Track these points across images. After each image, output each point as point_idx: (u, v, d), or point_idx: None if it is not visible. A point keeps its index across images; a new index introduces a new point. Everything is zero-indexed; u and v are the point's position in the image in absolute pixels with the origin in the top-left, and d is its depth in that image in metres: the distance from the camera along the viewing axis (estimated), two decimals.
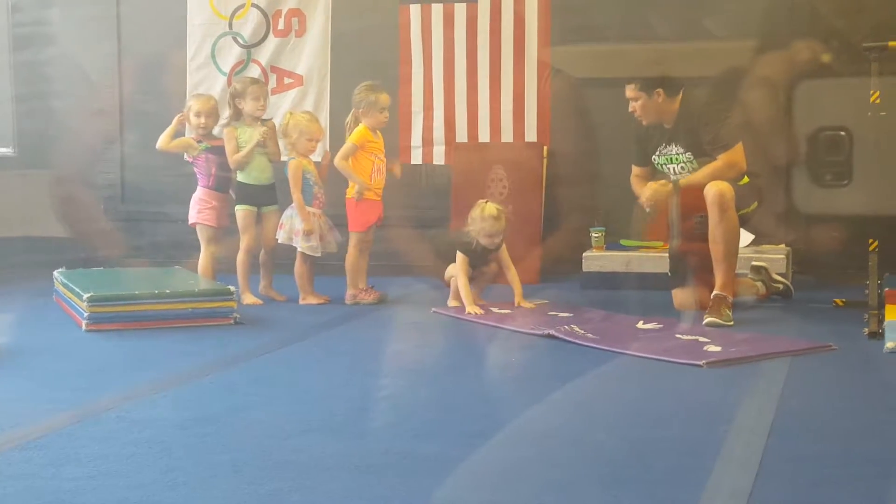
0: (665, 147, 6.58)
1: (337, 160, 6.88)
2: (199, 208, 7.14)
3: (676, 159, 6.54)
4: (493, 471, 3.53)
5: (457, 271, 6.66)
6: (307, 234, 6.86)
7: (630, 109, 6.56)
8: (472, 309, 6.42)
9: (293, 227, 6.92)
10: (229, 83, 8.42)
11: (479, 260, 6.67)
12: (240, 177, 7.11)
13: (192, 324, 6.16)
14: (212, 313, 6.26)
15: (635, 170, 6.81)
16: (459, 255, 6.63)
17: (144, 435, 3.90)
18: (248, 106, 7.07)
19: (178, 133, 7.25)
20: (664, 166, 6.62)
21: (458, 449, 3.72)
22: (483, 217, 6.56)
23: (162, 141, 7.17)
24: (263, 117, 7.19)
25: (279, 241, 7.02)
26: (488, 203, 6.64)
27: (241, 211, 7.08)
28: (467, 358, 5.49)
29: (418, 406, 4.39)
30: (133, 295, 6.23)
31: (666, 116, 6.53)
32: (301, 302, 6.98)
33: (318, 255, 6.94)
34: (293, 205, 6.93)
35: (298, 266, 6.98)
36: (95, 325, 6.03)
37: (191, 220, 7.19)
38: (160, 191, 8.60)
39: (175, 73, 8.58)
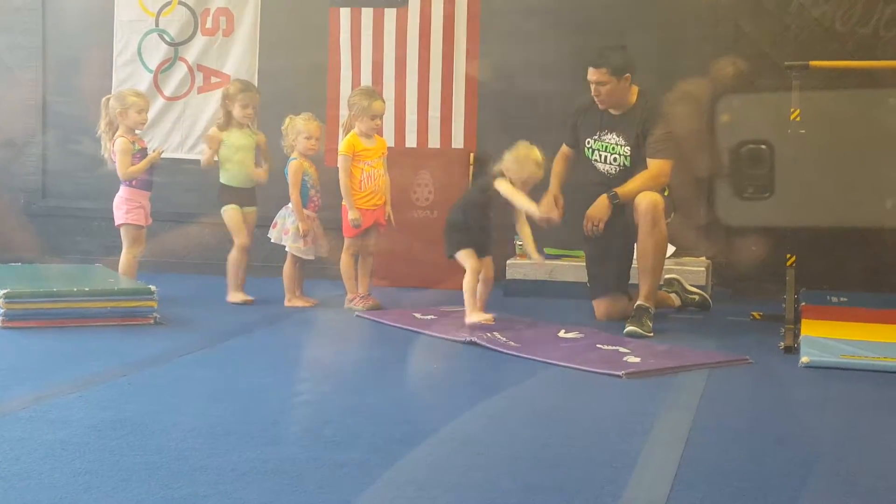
0: (605, 133, 6.51)
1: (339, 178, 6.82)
2: (126, 208, 7.00)
3: (612, 149, 6.49)
4: (409, 479, 3.53)
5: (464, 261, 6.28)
6: (302, 234, 6.82)
7: (594, 93, 6.42)
8: (478, 317, 6.18)
9: (285, 226, 6.90)
10: (155, 81, 8.38)
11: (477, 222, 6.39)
12: (223, 178, 7.09)
13: (111, 323, 6.10)
14: (131, 312, 6.20)
15: (564, 149, 6.76)
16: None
17: (59, 436, 3.85)
18: (236, 111, 7.07)
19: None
20: (596, 153, 6.55)
21: (376, 456, 3.72)
22: (528, 158, 6.17)
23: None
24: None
25: (272, 241, 7.01)
26: (534, 147, 6.26)
27: (229, 210, 7.07)
28: (388, 364, 5.49)
29: (337, 412, 4.37)
30: (51, 292, 6.15)
31: (621, 103, 6.44)
32: (286, 304, 6.94)
33: (311, 258, 6.93)
34: (288, 205, 6.90)
35: (287, 267, 6.96)
36: (11, 322, 5.94)
37: (118, 221, 7.02)
38: (81, 189, 8.50)
39: (100, 69, 8.48)
